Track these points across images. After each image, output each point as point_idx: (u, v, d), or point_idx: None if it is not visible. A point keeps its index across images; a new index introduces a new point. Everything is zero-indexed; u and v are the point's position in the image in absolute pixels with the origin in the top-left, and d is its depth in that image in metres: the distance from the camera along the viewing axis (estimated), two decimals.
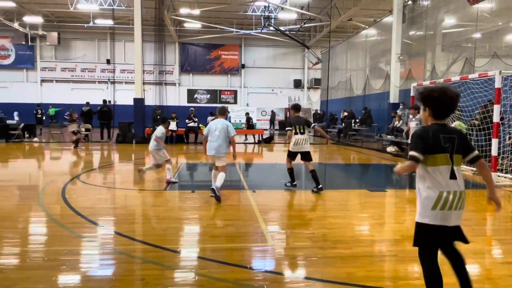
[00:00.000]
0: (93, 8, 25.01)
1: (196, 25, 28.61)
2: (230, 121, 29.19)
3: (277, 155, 14.61)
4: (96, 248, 4.58)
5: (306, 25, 26.48)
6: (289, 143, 7.91)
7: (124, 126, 18.53)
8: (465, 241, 2.92)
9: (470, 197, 7.94)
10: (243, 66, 34.17)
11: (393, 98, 18.17)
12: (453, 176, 2.74)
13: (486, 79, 9.58)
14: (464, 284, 2.89)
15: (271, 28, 26.04)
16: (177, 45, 32.98)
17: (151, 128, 16.89)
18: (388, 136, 15.78)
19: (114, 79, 24.93)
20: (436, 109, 2.78)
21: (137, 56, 18.25)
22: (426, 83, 12.65)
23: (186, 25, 29.23)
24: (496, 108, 8.59)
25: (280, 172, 9.02)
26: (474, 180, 9.36)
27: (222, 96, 34.28)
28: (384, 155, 14.39)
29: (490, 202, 2.98)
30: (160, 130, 8.63)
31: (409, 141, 10.27)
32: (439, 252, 2.92)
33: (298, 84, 34.64)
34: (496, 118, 8.61)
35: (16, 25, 28.10)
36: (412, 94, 12.73)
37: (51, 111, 30.12)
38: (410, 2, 18.02)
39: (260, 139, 19.81)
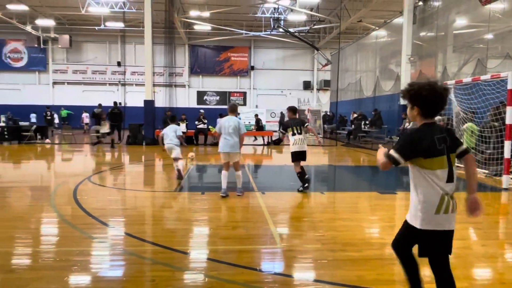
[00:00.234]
0: (104, 11, 25.25)
1: (205, 27, 28.72)
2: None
3: (286, 157, 14.57)
4: (107, 249, 4.62)
5: (315, 26, 26.40)
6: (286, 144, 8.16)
7: (135, 128, 18.67)
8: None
9: (482, 200, 7.84)
10: (252, 68, 34.21)
11: (404, 99, 18.02)
12: (450, 178, 2.63)
13: (498, 81, 9.46)
14: None
15: (281, 30, 26.02)
16: (187, 47, 33.15)
17: (161, 130, 17.00)
18: (399, 138, 15.66)
19: (124, 81, 25.16)
20: (425, 107, 2.60)
21: (148, 58, 18.39)
22: None
23: (196, 27, 29.35)
24: (509, 110, 8.47)
25: (289, 174, 9.00)
26: (484, 182, 9.24)
27: (231, 97, 34.33)
28: None
29: (468, 204, 2.81)
30: (179, 128, 9.10)
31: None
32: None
33: (307, 85, 34.56)
34: (509, 120, 8.49)
35: (28, 28, 28.49)
36: None
37: (63, 113, 30.47)
38: (420, 3, 17.88)
39: (269, 140, 19.81)
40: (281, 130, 8.02)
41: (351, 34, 28.91)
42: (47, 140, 19.10)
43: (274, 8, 24.75)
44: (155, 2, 18.68)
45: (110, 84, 32.78)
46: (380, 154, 2.74)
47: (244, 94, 34.54)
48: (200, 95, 34.17)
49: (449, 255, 2.70)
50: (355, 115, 21.96)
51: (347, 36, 28.83)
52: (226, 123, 7.25)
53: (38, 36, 30.34)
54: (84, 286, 3.64)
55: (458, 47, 16.06)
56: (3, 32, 30.53)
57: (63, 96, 32.08)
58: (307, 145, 8.10)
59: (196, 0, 23.72)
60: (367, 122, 20.80)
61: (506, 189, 8.35)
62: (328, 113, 27.61)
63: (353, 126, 21.66)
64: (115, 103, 19.92)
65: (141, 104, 18.66)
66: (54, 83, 32.70)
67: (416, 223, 2.64)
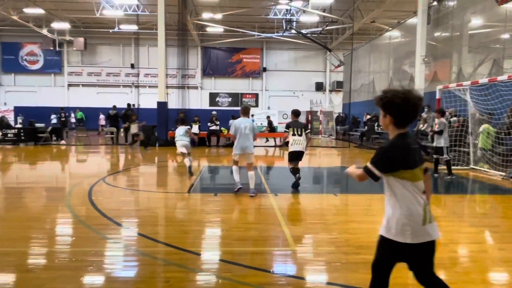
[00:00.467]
0: (118, 14, 25.54)
1: (218, 29, 28.84)
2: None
3: None
4: (121, 249, 4.66)
5: (328, 27, 26.29)
6: (285, 145, 8.48)
7: (148, 129, 18.82)
8: None
9: (499, 203, 7.71)
10: (264, 69, 34.20)
11: (377, 106, 17.80)
12: (422, 189, 2.54)
13: None
14: None
15: (293, 31, 25.99)
16: (199, 49, 33.31)
17: (174, 131, 17.11)
18: None
19: (138, 83, 25.37)
20: (398, 116, 2.50)
21: (161, 60, 18.54)
22: (453, 85, 12.37)
23: (208, 29, 29.49)
24: None
25: (302, 175, 8.97)
26: (501, 185, 9.07)
27: (243, 99, 34.38)
28: None
29: None
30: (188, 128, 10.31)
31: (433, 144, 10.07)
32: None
33: (319, 87, 34.40)
34: None
35: (44, 31, 28.98)
36: (438, 96, 12.47)
37: (79, 114, 30.89)
38: (435, 3, 17.66)
39: (282, 142, 19.76)
40: (285, 129, 8.43)
41: (364, 35, 28.69)
42: (62, 142, 19.38)
43: (286, 10, 24.72)
44: (168, 4, 18.83)
45: (124, 86, 33.12)
46: (352, 168, 2.67)
47: (256, 95, 34.55)
48: (213, 97, 34.30)
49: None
50: (368, 117, 21.79)
51: (360, 37, 28.63)
52: (241, 124, 7.44)
53: (53, 39, 30.84)
54: (99, 286, 3.68)
55: (474, 47, 15.81)
56: (20, 35, 31.13)
57: (78, 98, 32.52)
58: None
59: (209, 2, 23.82)
60: (379, 123, 20.59)
61: None
62: (341, 115, 27.46)
63: (366, 127, 21.49)
64: (128, 104, 20.11)
65: (154, 105, 18.81)
66: (69, 85, 33.17)
67: (405, 239, 2.50)
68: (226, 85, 34.34)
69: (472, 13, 15.94)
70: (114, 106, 20.15)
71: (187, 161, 9.90)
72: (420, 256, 2.59)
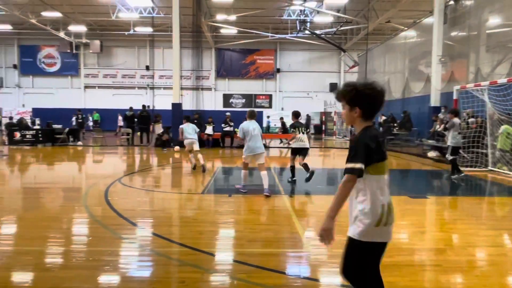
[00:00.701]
0: (133, 16, 25.85)
1: (232, 30, 28.92)
2: (269, 125, 28.78)
3: (312, 160, 14.46)
4: (137, 249, 4.70)
5: (342, 28, 26.12)
6: (289, 143, 9.57)
7: (163, 130, 18.98)
8: None
9: None
10: (278, 70, 34.16)
11: (434, 101, 17.56)
12: (387, 183, 2.45)
13: None
14: None
15: (307, 32, 25.89)
16: (213, 50, 33.47)
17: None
18: (429, 141, 15.27)
19: (153, 85, 25.60)
20: (369, 108, 2.42)
21: (175, 62, 18.67)
22: (470, 85, 12.16)
23: (222, 31, 29.60)
24: None
25: (316, 177, 8.92)
26: None
27: (257, 100, 34.39)
28: (425, 161, 13.92)
29: None
30: (195, 127, 10.96)
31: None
32: None
33: (334, 87, 34.08)
34: None
35: (62, 34, 29.49)
36: (455, 97, 12.28)
37: (95, 116, 31.32)
38: (452, 2, 17.40)
39: (289, 142, 19.60)
40: (292, 130, 9.02)
41: (379, 35, 28.42)
42: (79, 143, 19.67)
43: (300, 10, 24.67)
44: (182, 6, 18.97)
45: (139, 87, 33.48)
46: (339, 195, 2.49)
47: (270, 96, 34.51)
48: (226, 98, 34.39)
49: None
50: (384, 118, 21.57)
51: (375, 37, 28.33)
52: (250, 127, 7.69)
53: (70, 41, 31.36)
54: (115, 286, 3.72)
55: (492, 46, 15.52)
56: (38, 38, 31.75)
57: (94, 100, 32.99)
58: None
59: (223, 4, 23.91)
60: (395, 124, 20.38)
61: None
62: None
63: (381, 129, 21.27)
64: (143, 106, 20.32)
65: (169, 107, 18.96)
66: (86, 87, 33.68)
67: (382, 238, 2.47)
68: (240, 86, 34.40)
69: (489, 12, 15.66)
70: (131, 108, 20.38)
71: (201, 159, 10.49)
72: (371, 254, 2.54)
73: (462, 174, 9.80)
